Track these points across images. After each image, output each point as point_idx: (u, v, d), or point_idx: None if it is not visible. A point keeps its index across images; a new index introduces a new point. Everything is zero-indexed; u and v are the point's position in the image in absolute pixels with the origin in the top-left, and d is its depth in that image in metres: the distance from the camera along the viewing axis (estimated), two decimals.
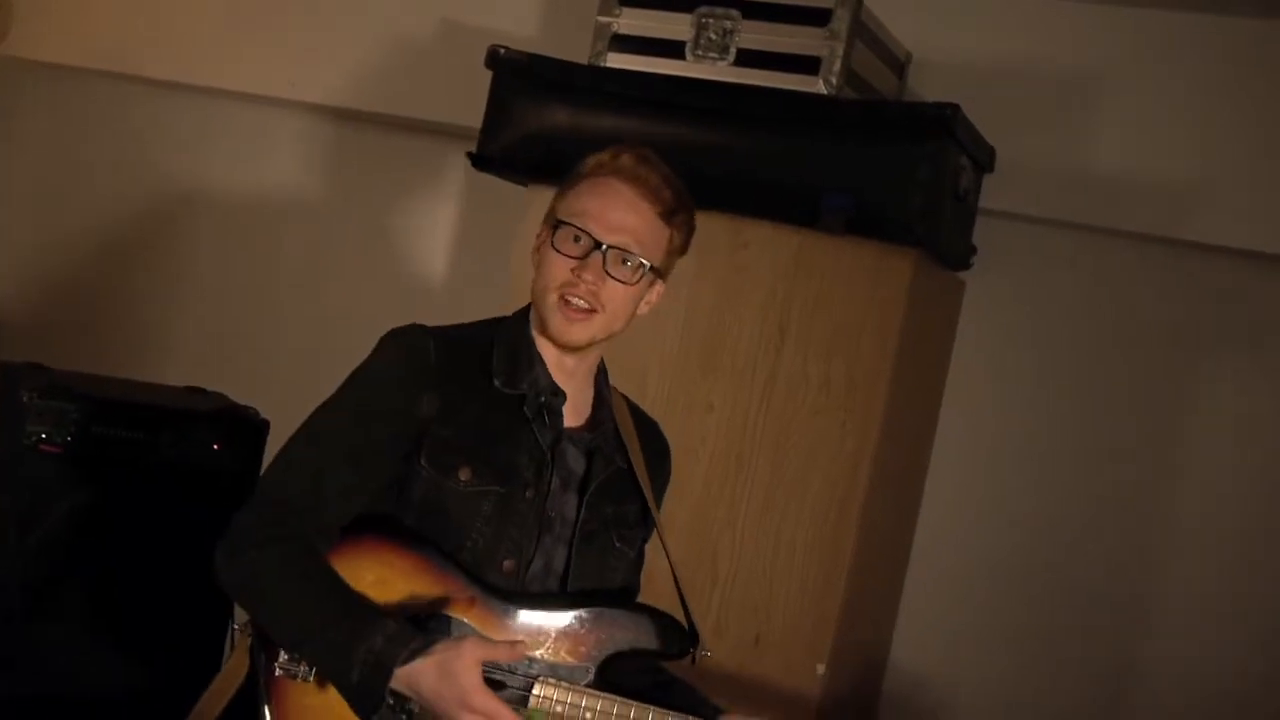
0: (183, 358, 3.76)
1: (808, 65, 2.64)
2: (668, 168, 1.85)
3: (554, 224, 1.81)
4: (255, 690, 1.73)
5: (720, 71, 2.72)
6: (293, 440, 1.79)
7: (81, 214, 4.12)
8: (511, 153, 2.84)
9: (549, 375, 1.83)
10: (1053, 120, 2.91)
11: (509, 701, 1.65)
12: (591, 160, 1.84)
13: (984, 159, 2.82)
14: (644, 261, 1.80)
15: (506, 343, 1.85)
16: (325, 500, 1.73)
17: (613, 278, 1.78)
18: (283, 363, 3.59)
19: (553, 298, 1.79)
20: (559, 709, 1.70)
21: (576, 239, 1.78)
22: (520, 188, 2.96)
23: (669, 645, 1.80)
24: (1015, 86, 2.92)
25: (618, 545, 1.87)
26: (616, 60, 2.79)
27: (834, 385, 2.61)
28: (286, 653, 1.70)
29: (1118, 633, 2.89)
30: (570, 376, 1.86)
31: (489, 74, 2.88)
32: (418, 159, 3.58)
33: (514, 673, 1.72)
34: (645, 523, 1.93)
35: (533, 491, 1.79)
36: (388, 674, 1.59)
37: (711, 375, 2.70)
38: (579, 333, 1.79)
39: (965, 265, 2.91)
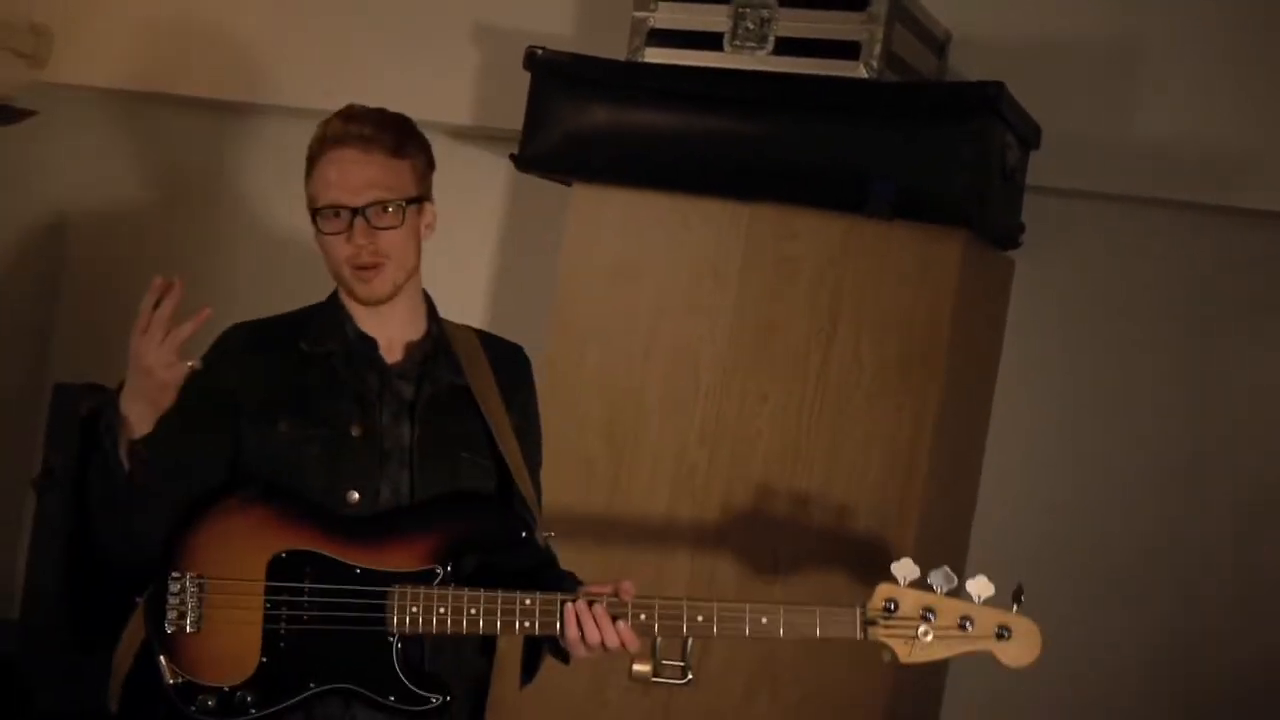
0: None
1: (847, 50, 2.63)
2: (376, 110, 1.99)
3: (313, 214, 1.96)
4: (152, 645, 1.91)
5: (759, 61, 2.71)
6: None
7: (129, 233, 4.17)
8: (554, 152, 2.85)
9: (357, 328, 2.00)
10: (1097, 92, 2.88)
11: (366, 624, 1.85)
12: (312, 144, 1.98)
13: (1030, 136, 2.80)
14: (398, 200, 1.94)
15: (318, 314, 2.04)
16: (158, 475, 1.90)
17: (381, 229, 1.93)
18: None
19: (345, 271, 1.96)
20: (414, 610, 1.86)
21: (335, 214, 1.93)
22: (564, 187, 2.96)
23: (504, 531, 1.95)
24: (1058, 60, 2.89)
25: (465, 456, 1.98)
26: (654, 55, 2.78)
27: (888, 371, 2.60)
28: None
29: (1176, 605, 2.86)
30: (386, 322, 2.00)
31: (527, 75, 2.89)
32: (460, 164, 3.56)
33: (366, 598, 1.86)
34: (516, 434, 2.03)
35: (359, 429, 1.94)
36: (111, 417, 1.85)
37: (764, 366, 2.69)
38: (379, 286, 1.95)
39: (1015, 244, 2.89)
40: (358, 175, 1.92)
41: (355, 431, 1.94)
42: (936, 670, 3.00)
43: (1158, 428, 2.92)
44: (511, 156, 2.92)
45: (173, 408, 1.87)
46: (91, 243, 4.25)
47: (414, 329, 2.03)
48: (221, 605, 1.88)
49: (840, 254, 2.65)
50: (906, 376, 2.58)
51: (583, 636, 1.87)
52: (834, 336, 2.64)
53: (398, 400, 1.98)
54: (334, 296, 2.04)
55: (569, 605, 1.87)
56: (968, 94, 2.55)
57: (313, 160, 1.97)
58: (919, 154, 2.53)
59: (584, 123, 2.82)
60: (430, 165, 2.03)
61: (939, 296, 2.57)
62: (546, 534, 2.02)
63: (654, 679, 2.67)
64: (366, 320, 2.00)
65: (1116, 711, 2.90)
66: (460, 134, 3.51)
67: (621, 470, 2.76)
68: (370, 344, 1.99)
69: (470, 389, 2.01)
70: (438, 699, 1.89)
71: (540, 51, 2.87)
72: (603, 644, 1.88)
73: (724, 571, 2.66)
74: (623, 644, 1.88)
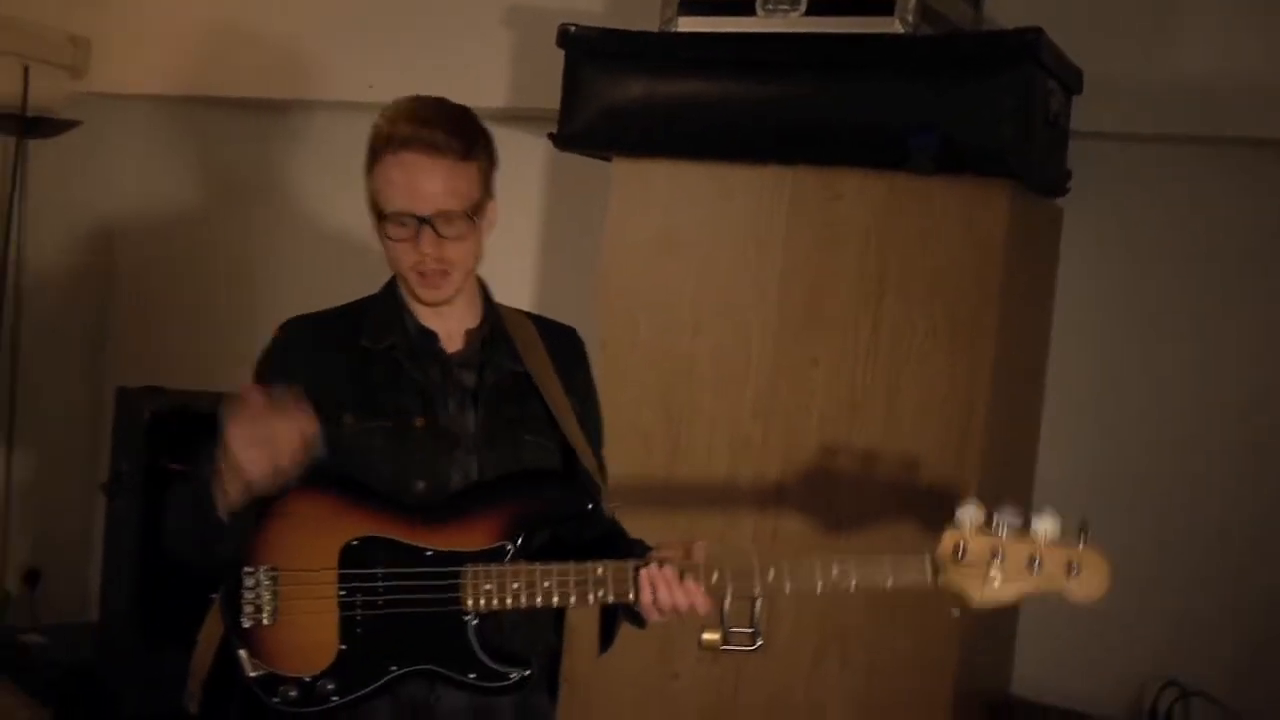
0: None
1: (881, 6, 2.60)
2: (444, 108, 1.94)
3: (377, 215, 1.92)
4: (230, 640, 1.91)
5: (793, 23, 2.69)
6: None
7: (176, 236, 4.23)
8: (592, 129, 2.85)
9: (417, 322, 1.99)
10: (1136, 33, 2.83)
11: (441, 605, 1.86)
12: (377, 138, 1.91)
13: (1071, 81, 2.76)
14: (465, 209, 1.90)
15: (375, 307, 2.02)
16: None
17: (447, 239, 1.90)
18: None
19: (409, 275, 1.94)
20: (488, 588, 1.86)
21: (401, 223, 1.89)
22: (604, 163, 2.96)
23: (570, 504, 1.96)
24: (1095, 3, 2.85)
25: (529, 439, 1.99)
26: (687, 24, 2.77)
27: (940, 328, 2.58)
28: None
29: (1243, 543, 2.83)
30: (445, 314, 2.00)
31: (561, 54, 2.89)
32: (500, 147, 3.60)
33: (439, 579, 1.87)
34: (577, 417, 2.03)
35: (423, 419, 1.94)
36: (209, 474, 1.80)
37: (814, 330, 2.69)
38: (444, 291, 1.94)
39: (1062, 191, 2.86)
40: (426, 183, 1.88)
41: (419, 423, 1.94)
42: (1008, 625, 2.99)
43: (1216, 365, 2.88)
44: (550, 136, 2.93)
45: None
46: (140, 246, 4.32)
47: (471, 317, 2.03)
48: (296, 596, 1.88)
49: (885, 213, 2.63)
50: (959, 332, 2.56)
51: (655, 599, 1.87)
52: (883, 297, 2.63)
53: (460, 389, 1.98)
54: (391, 288, 2.03)
55: (641, 570, 1.87)
56: (1006, 42, 2.53)
57: (376, 156, 1.92)
58: (960, 106, 2.51)
59: (620, 97, 2.82)
60: (494, 163, 1.99)
61: (988, 249, 2.55)
62: (614, 505, 2.03)
63: (723, 646, 2.69)
64: (426, 313, 2.00)
65: (1185, 653, 2.87)
66: (498, 117, 3.51)
67: (679, 441, 2.77)
68: (431, 337, 1.99)
69: (530, 374, 2.01)
70: (518, 674, 1.90)
71: (573, 29, 2.87)
72: (675, 606, 1.87)
73: (786, 537, 2.67)
74: (693, 605, 1.87)
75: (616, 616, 2.00)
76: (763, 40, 2.69)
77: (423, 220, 1.88)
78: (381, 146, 1.90)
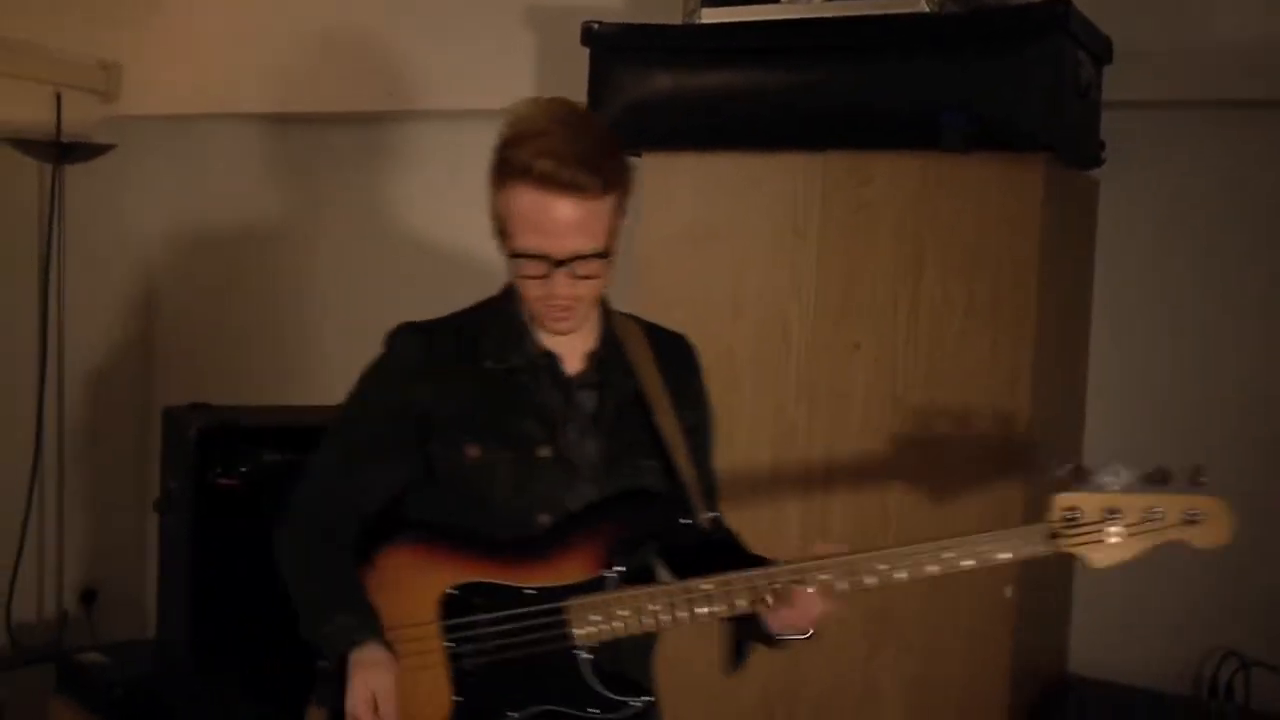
0: (324, 378, 3.87)
1: None
2: (584, 137, 1.80)
3: (509, 253, 1.84)
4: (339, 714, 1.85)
5: (816, 8, 2.67)
6: (320, 453, 1.96)
7: (217, 254, 4.27)
8: (619, 125, 2.84)
9: (538, 343, 1.92)
10: None
11: (549, 643, 1.82)
12: (512, 162, 1.80)
13: (1102, 51, 2.73)
14: (602, 249, 1.82)
15: (495, 323, 1.94)
16: (338, 493, 1.92)
17: (581, 278, 1.82)
18: None
19: (536, 306, 1.87)
20: (595, 619, 1.82)
21: (533, 261, 1.81)
22: (634, 158, 2.96)
23: (665, 520, 1.91)
24: None
25: (644, 463, 1.93)
26: (711, 15, 2.76)
27: (979, 306, 2.56)
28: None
29: None
30: (567, 338, 1.93)
31: (586, 51, 2.89)
32: None
33: (543, 617, 1.83)
34: (684, 430, 1.97)
35: (548, 449, 1.88)
36: (333, 656, 1.81)
37: (853, 314, 2.68)
38: (572, 324, 1.89)
39: (1097, 163, 2.83)
40: (562, 226, 1.77)
41: (543, 452, 1.88)
42: (1063, 603, 2.97)
43: (1261, 332, 2.85)
44: None
45: (367, 431, 1.90)
46: (177, 265, 4.36)
47: (592, 337, 1.96)
48: (403, 654, 1.83)
49: (920, 193, 2.62)
50: (999, 310, 2.54)
51: (776, 614, 1.81)
52: (920, 277, 2.61)
53: (581, 415, 1.92)
54: (508, 302, 1.94)
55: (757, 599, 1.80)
56: (1034, 15, 2.50)
57: (507, 178, 1.81)
58: (990, 83, 2.49)
59: (647, 91, 2.81)
60: (629, 189, 1.88)
61: (1024, 225, 2.53)
62: (712, 514, 1.97)
63: (777, 637, 2.70)
64: (545, 334, 1.93)
65: (1243, 624, 2.84)
66: None
67: (722, 431, 2.77)
68: (553, 359, 1.92)
69: (642, 393, 1.95)
70: (640, 701, 1.86)
71: (596, 25, 2.87)
72: (791, 622, 1.81)
73: (835, 522, 2.66)
74: (811, 617, 1.82)
75: (747, 634, 1.92)
76: (787, 27, 2.68)
77: (558, 263, 1.80)
78: (516, 176, 1.79)
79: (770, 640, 1.89)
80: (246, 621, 2.90)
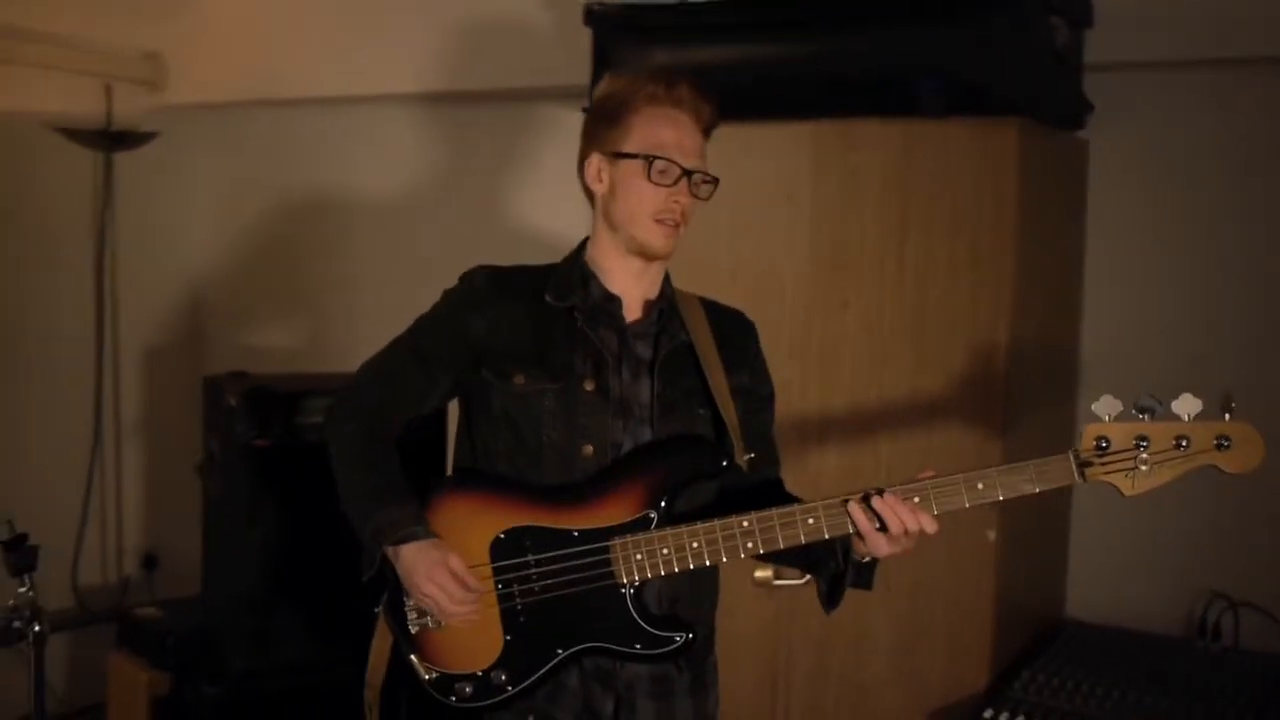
0: (361, 354, 4.03)
1: None
2: (705, 89, 2.06)
3: (641, 156, 2.00)
4: (400, 649, 2.01)
5: None
6: (380, 351, 2.12)
7: (260, 234, 4.45)
8: None
9: (603, 287, 2.06)
10: None
11: (596, 581, 1.92)
12: (642, 92, 2.03)
13: (1079, 13, 2.83)
14: (715, 177, 2.05)
15: (561, 269, 2.10)
16: (390, 394, 2.06)
17: (696, 197, 2.04)
18: None
19: (647, 220, 2.02)
20: (638, 557, 1.92)
21: (664, 170, 1.99)
22: None
23: (706, 463, 2.00)
24: None
25: (700, 412, 2.04)
26: None
27: (960, 263, 2.68)
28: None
29: None
30: (639, 280, 2.09)
31: (588, 31, 3.03)
32: (536, 126, 3.75)
33: (590, 557, 1.93)
34: (732, 390, 2.07)
35: (592, 384, 1.99)
36: (380, 545, 1.94)
37: (843, 273, 2.80)
38: (672, 243, 2.05)
39: (1080, 124, 2.92)
40: (691, 142, 2.02)
41: (588, 386, 1.99)
42: (1059, 548, 3.07)
43: (1258, 289, 2.91)
44: (584, 109, 3.06)
45: (422, 342, 2.05)
46: (222, 246, 4.53)
47: (654, 289, 2.10)
48: None
49: (903, 158, 2.73)
50: (978, 265, 2.66)
51: (884, 525, 1.86)
52: (906, 238, 2.73)
53: (636, 358, 2.03)
54: (578, 256, 2.10)
55: (852, 505, 1.87)
56: None
57: (637, 106, 2.02)
58: (965, 49, 2.59)
59: (646, 67, 2.94)
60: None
61: (1001, 185, 2.64)
62: (749, 455, 2.06)
63: (775, 581, 2.84)
64: (613, 279, 2.07)
65: (1232, 566, 2.92)
66: (533, 95, 3.67)
67: None
68: (615, 302, 2.05)
69: (694, 348, 2.07)
70: (681, 637, 1.94)
71: (597, 7, 3.02)
72: (905, 528, 1.86)
73: (829, 474, 2.79)
74: (921, 525, 1.86)
75: (843, 580, 2.00)
76: (775, 3, 2.81)
77: (686, 172, 2.00)
78: (642, 102, 2.02)
79: (861, 571, 1.98)
80: (294, 574, 3.10)
